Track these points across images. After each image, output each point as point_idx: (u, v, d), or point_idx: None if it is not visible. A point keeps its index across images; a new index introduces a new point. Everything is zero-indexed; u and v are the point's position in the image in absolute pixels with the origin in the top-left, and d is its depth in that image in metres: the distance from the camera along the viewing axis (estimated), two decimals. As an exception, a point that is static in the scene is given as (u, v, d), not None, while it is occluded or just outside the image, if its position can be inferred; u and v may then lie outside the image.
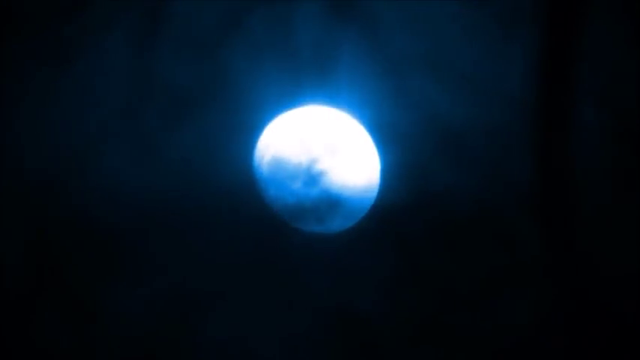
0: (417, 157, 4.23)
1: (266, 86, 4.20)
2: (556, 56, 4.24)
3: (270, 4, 4.21)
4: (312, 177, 4.08)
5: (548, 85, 4.24)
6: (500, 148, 4.25)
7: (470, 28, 4.22)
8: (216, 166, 4.20)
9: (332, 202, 4.11)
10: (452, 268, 4.23)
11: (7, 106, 4.24)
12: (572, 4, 4.22)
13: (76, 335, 4.21)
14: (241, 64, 4.22)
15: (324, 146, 4.11)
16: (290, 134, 4.13)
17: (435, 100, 4.23)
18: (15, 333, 4.20)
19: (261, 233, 4.20)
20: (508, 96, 4.24)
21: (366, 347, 4.26)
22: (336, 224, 4.17)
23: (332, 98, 4.19)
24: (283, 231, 4.19)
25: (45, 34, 4.24)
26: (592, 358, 4.19)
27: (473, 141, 4.24)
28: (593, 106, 4.23)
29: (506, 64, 4.23)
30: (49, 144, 4.24)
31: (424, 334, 4.24)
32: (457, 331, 4.23)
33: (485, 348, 4.23)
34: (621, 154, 4.22)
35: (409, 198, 4.23)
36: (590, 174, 4.23)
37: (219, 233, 4.21)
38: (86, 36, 4.24)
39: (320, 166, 4.09)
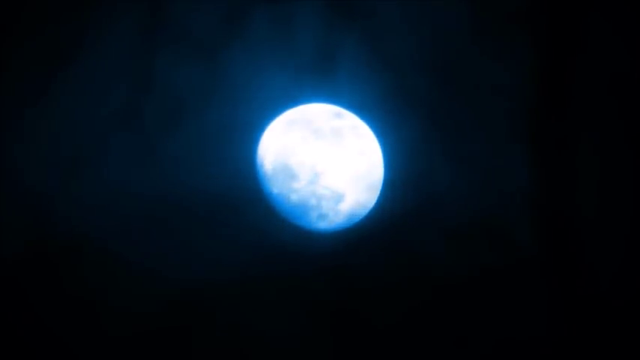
0: (418, 156, 4.24)
1: (267, 85, 4.20)
2: (556, 57, 4.27)
3: (270, 4, 4.22)
4: (314, 175, 4.08)
5: (548, 85, 4.26)
6: (500, 148, 4.26)
7: (471, 29, 4.24)
8: (218, 165, 4.19)
9: (334, 200, 4.11)
10: (452, 267, 4.23)
11: (7, 106, 4.22)
12: (573, 4, 4.26)
13: (77, 335, 4.18)
14: (242, 63, 4.22)
15: (325, 144, 4.11)
16: (292, 133, 4.13)
17: (435, 100, 4.25)
18: (15, 332, 4.17)
19: (264, 231, 4.19)
20: (509, 97, 4.26)
21: (365, 347, 4.24)
22: (339, 222, 4.16)
23: (333, 97, 4.19)
24: (285, 229, 4.18)
25: (45, 34, 4.22)
26: (591, 357, 4.20)
27: (473, 140, 4.25)
28: (593, 106, 4.26)
29: (507, 64, 4.26)
30: (49, 144, 4.22)
31: (424, 334, 4.23)
32: (457, 331, 4.22)
33: (485, 348, 4.22)
34: (621, 154, 4.25)
35: (410, 197, 4.23)
36: (590, 174, 4.25)
37: (221, 232, 4.19)
38: (86, 36, 4.23)
39: (322, 164, 4.09)
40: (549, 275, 4.23)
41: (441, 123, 4.24)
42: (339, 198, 4.11)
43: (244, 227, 4.19)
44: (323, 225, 4.15)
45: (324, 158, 4.09)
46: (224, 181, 4.19)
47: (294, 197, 4.10)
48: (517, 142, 4.27)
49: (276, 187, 4.12)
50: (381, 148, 4.19)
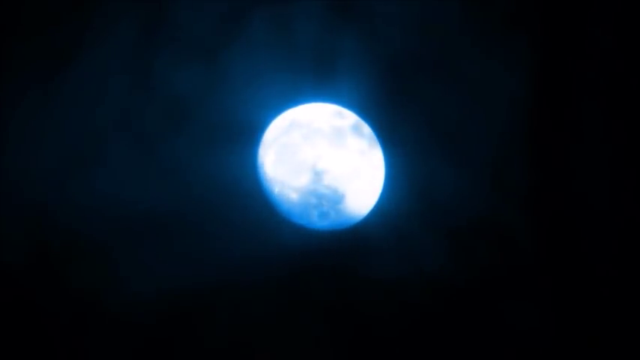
0: (418, 155, 4.24)
1: (268, 85, 4.21)
2: (556, 57, 4.28)
3: (270, 4, 4.23)
4: (315, 175, 4.08)
5: (548, 85, 4.27)
6: (500, 148, 4.26)
7: (471, 28, 4.25)
8: (218, 165, 4.19)
9: (335, 200, 4.11)
10: (452, 267, 4.23)
11: (7, 107, 4.22)
12: (572, 4, 4.27)
13: (77, 337, 4.18)
14: (242, 63, 4.23)
15: (326, 144, 4.11)
16: (292, 132, 4.13)
17: (436, 100, 4.25)
18: (15, 333, 4.16)
19: (264, 231, 4.19)
20: (509, 97, 4.26)
21: (364, 347, 4.24)
22: (339, 222, 4.16)
23: (333, 97, 4.20)
24: (286, 229, 4.18)
25: (45, 34, 4.22)
26: (591, 357, 4.20)
27: (473, 140, 4.26)
28: (592, 106, 4.27)
29: (507, 64, 4.26)
30: (48, 145, 4.22)
31: (425, 334, 4.23)
32: (458, 330, 4.22)
33: (485, 347, 4.22)
34: (620, 154, 4.25)
35: (410, 196, 4.24)
36: (590, 174, 4.26)
37: (222, 232, 4.19)
38: (86, 36, 4.23)
39: (323, 163, 4.09)
40: (549, 275, 4.23)
41: (441, 123, 4.25)
42: (339, 197, 4.12)
43: (245, 227, 4.19)
44: (324, 224, 4.16)
45: (325, 158, 4.09)
46: (224, 181, 4.19)
47: (294, 197, 4.10)
48: (517, 142, 4.27)
49: (276, 186, 4.12)
50: (382, 147, 4.19)
